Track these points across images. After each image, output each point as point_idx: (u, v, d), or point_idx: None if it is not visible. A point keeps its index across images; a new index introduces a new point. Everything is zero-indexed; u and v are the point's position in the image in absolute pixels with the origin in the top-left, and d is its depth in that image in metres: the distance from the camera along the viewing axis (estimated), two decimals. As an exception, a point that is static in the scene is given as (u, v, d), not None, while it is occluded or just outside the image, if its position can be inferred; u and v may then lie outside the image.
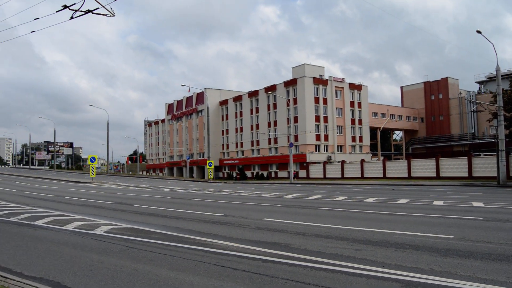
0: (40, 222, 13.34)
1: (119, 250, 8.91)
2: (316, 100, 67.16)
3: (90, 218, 14.25)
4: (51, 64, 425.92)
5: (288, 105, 67.46)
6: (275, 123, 71.71)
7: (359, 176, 54.96)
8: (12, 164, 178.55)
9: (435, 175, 46.61)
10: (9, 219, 14.38)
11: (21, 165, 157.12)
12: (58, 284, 6.38)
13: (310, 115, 66.04)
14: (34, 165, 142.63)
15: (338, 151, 68.89)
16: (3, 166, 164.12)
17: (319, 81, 67.63)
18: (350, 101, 71.31)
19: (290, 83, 68.59)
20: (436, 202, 18.69)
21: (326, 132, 67.79)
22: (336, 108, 69.14)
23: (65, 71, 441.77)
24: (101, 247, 9.25)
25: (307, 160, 64.50)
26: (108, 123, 78.48)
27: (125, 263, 7.69)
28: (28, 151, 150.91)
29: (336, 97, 69.50)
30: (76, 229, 11.81)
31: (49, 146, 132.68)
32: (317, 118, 66.93)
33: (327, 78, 69.68)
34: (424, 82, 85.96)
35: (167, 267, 7.32)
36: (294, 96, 67.94)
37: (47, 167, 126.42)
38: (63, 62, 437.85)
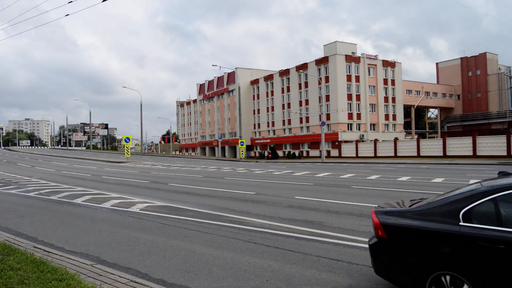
0: (79, 200, 13.81)
1: (155, 227, 9.14)
2: (348, 78, 65.99)
3: (126, 196, 14.64)
4: (83, 46, 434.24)
5: (319, 83, 66.65)
6: (307, 101, 71.06)
7: (393, 155, 54.09)
8: (50, 145, 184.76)
9: (471, 154, 45.36)
10: (50, 197, 14.95)
11: (59, 146, 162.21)
12: (97, 258, 6.62)
13: (342, 93, 65.06)
14: (71, 146, 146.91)
15: (370, 129, 67.82)
16: (42, 147, 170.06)
17: (352, 59, 66.32)
18: (383, 79, 69.74)
19: (322, 61, 67.58)
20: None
21: (359, 111, 66.74)
22: (369, 86, 67.80)
23: (96, 53, 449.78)
24: (137, 224, 9.51)
25: (339, 139, 63.83)
26: (141, 104, 79.65)
27: (161, 239, 7.89)
28: (66, 132, 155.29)
29: (369, 74, 68.07)
30: (113, 207, 12.17)
31: (85, 128, 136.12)
32: (349, 96, 65.88)
33: (360, 55, 68.21)
34: (461, 58, 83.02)
35: (201, 244, 7.47)
36: (326, 74, 66.97)
37: (84, 148, 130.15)
38: (94, 44, 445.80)
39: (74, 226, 9.48)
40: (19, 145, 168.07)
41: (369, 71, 68.16)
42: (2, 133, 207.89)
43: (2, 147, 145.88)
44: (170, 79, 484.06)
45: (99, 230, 8.90)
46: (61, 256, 6.53)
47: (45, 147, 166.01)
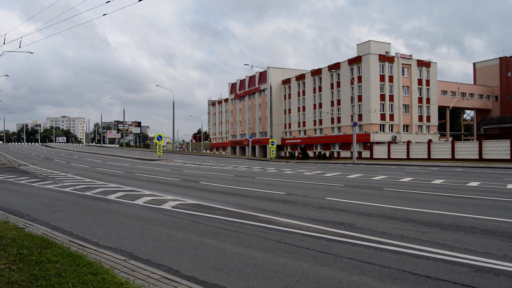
0: (112, 197, 14.13)
1: (186, 224, 9.26)
2: (382, 78, 65.02)
3: (158, 194, 14.88)
4: (113, 45, 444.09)
5: (352, 83, 65.93)
6: (339, 102, 70.44)
7: (426, 157, 52.98)
8: (85, 142, 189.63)
9: (509, 157, 43.92)
10: (84, 193, 15.36)
11: (94, 143, 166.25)
12: (130, 254, 6.76)
13: (375, 93, 64.15)
14: (105, 143, 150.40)
15: (403, 131, 66.62)
16: (77, 144, 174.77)
17: (385, 58, 65.30)
18: (418, 79, 68.36)
19: (355, 61, 66.82)
20: (510, 186, 17.67)
21: (392, 111, 65.67)
22: (403, 86, 66.60)
23: (127, 51, 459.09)
24: (169, 221, 9.66)
25: (371, 140, 62.99)
26: (173, 103, 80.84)
27: (192, 237, 7.99)
28: (100, 130, 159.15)
29: (403, 74, 66.86)
30: (145, 204, 12.40)
31: (119, 125, 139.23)
32: (382, 97, 64.91)
33: (394, 55, 67.10)
34: (500, 58, 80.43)
35: (232, 242, 7.52)
36: (359, 74, 66.19)
37: (117, 145, 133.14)
38: (124, 43, 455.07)
39: (108, 222, 9.70)
40: (55, 142, 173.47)
41: (403, 71, 66.98)
42: (40, 129, 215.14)
43: (40, 144, 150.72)
44: (199, 77, 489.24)
45: (132, 226, 9.08)
46: (95, 250, 6.70)
47: (80, 144, 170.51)
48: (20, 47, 27.35)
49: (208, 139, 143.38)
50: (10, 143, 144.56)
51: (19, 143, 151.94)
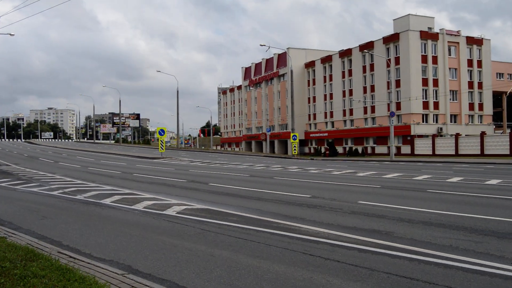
0: (107, 201, 14.27)
1: (194, 233, 9.30)
2: (424, 59, 64.30)
3: (161, 197, 14.99)
4: (104, 24, 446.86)
5: (388, 65, 65.34)
6: (372, 88, 69.94)
7: (478, 153, 52.33)
8: (75, 138, 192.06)
9: None
10: (75, 197, 15.54)
11: (85, 139, 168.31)
12: (129, 267, 6.81)
13: (416, 77, 63.50)
14: (99, 139, 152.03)
15: (451, 121, 65.87)
16: (66, 140, 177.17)
17: (428, 35, 64.55)
18: (468, 60, 67.46)
19: (391, 39, 66.21)
20: None
21: (436, 99, 64.96)
22: (449, 68, 65.78)
23: (120, 31, 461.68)
24: (174, 229, 9.71)
25: (412, 133, 62.43)
26: (177, 91, 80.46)
27: (201, 247, 8.01)
28: (92, 123, 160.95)
29: (449, 54, 66.05)
30: (146, 209, 12.49)
31: (114, 118, 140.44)
32: (425, 81, 64.22)
33: (438, 31, 66.33)
34: None
35: (248, 254, 7.52)
36: (396, 54, 65.57)
37: (112, 141, 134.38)
38: (117, 22, 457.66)
39: (103, 230, 9.80)
40: (41, 138, 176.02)
41: (449, 50, 66.17)
42: (23, 124, 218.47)
43: (23, 140, 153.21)
44: (206, 61, 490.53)
45: (130, 235, 9.16)
46: (88, 263, 6.77)
47: (70, 140, 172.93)
48: (-1, 27, 27.67)
49: (219, 133, 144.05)
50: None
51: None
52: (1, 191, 18.11)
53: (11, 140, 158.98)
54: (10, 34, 40.32)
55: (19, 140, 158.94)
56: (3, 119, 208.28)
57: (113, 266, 6.76)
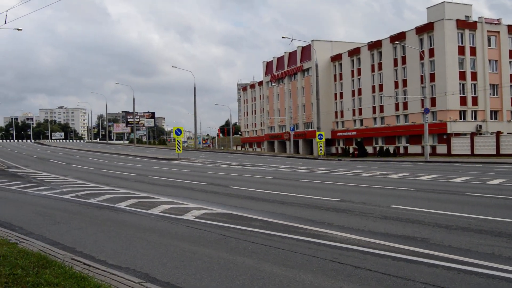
0: (122, 205, 14.42)
1: (214, 239, 9.34)
2: (461, 50, 63.52)
3: (179, 201, 15.08)
4: (115, 16, 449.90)
5: (421, 58, 64.68)
6: (404, 82, 69.35)
7: (522, 152, 51.59)
8: (87, 139, 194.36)
9: None
10: (88, 201, 15.73)
11: (98, 139, 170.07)
12: (146, 275, 6.87)
13: (452, 70, 62.78)
14: (112, 140, 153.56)
15: (491, 118, 64.99)
16: (78, 141, 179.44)
17: (465, 25, 63.75)
18: (509, 50, 66.38)
19: (425, 29, 65.56)
20: None
21: (475, 94, 64.12)
22: (489, 60, 64.88)
23: (132, 24, 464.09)
24: (193, 235, 9.77)
25: (448, 131, 61.75)
26: (195, 89, 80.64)
27: (222, 254, 8.04)
28: (105, 123, 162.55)
29: (489, 45, 65.13)
30: (163, 214, 12.59)
31: (128, 117, 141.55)
32: (462, 75, 63.43)
33: (476, 20, 65.47)
34: None
35: (272, 262, 7.53)
36: (430, 46, 64.92)
37: (126, 142, 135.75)
38: (128, 14, 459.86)
39: (118, 236, 9.90)
40: (51, 138, 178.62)
41: (489, 40, 65.27)
42: (33, 123, 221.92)
43: (33, 141, 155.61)
44: (224, 55, 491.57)
45: (147, 241, 9.24)
46: (104, 271, 6.85)
47: (81, 141, 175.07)
48: (5, 23, 28.06)
49: (239, 133, 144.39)
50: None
51: (8, 141, 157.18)
52: (11, 195, 18.43)
53: (20, 141, 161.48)
54: (18, 29, 40.93)
55: (28, 141, 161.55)
56: (12, 119, 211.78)
57: (130, 274, 6.83)
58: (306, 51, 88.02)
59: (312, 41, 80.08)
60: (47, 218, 12.40)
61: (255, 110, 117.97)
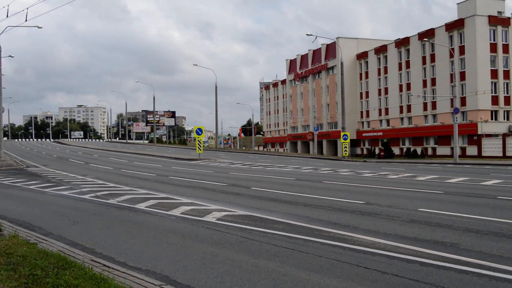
0: (142, 206, 14.54)
1: (236, 241, 9.37)
2: (493, 47, 62.72)
3: (199, 202, 15.15)
4: (134, 13, 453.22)
5: (451, 56, 64.01)
6: (433, 81, 68.73)
7: (557, 154, 50.81)
8: (107, 138, 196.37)
9: None
10: (108, 201, 15.90)
11: (117, 138, 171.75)
12: (166, 278, 6.92)
13: (483, 69, 62.03)
14: (132, 139, 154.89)
15: (524, 119, 64.14)
16: (97, 140, 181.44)
17: (497, 21, 62.92)
18: (544, 48, 65.45)
19: (455, 26, 64.87)
20: None
21: (507, 93, 63.27)
22: (523, 58, 64.03)
23: (152, 21, 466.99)
24: (214, 237, 9.81)
25: (479, 132, 61.04)
26: (216, 87, 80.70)
27: (244, 257, 8.06)
28: (125, 122, 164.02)
29: (523, 42, 64.28)
30: (183, 215, 12.66)
31: (148, 116, 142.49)
32: (494, 73, 62.63)
33: (510, 16, 64.57)
34: None
35: (295, 265, 7.53)
36: (461, 43, 64.23)
37: (146, 141, 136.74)
38: (148, 11, 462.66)
39: (138, 237, 9.99)
40: (70, 138, 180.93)
41: (523, 37, 64.26)
42: (52, 122, 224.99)
43: (52, 140, 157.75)
44: (246, 52, 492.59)
45: (167, 243, 9.31)
46: (123, 273, 6.91)
47: (101, 140, 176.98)
48: (26, 20, 28.55)
49: (261, 133, 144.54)
50: (16, 140, 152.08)
51: (27, 140, 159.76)
52: (31, 194, 18.72)
53: (39, 140, 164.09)
54: (38, 27, 41.64)
55: (47, 140, 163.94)
56: (31, 117, 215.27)
57: (150, 276, 6.89)
58: (331, 49, 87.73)
59: (337, 38, 79.72)
60: (66, 218, 12.56)
61: (277, 110, 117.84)
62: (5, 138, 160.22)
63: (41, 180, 24.56)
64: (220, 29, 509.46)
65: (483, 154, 58.75)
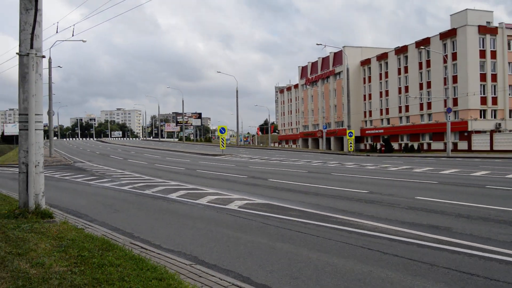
0: (173, 196, 14.65)
1: (255, 226, 9.41)
2: (482, 54, 61.79)
3: (223, 192, 15.22)
4: (164, 27, 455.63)
5: (445, 61, 63.24)
6: (428, 84, 67.96)
7: (540, 148, 49.95)
8: (142, 137, 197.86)
9: None
10: (144, 192, 16.05)
11: (151, 137, 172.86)
12: (195, 258, 6.99)
13: (473, 72, 61.17)
14: (163, 137, 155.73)
15: (510, 117, 63.00)
16: (133, 138, 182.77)
17: (486, 30, 61.95)
18: (528, 54, 64.29)
19: (448, 35, 64.04)
20: None
21: (495, 94, 62.32)
22: (509, 62, 62.79)
23: (179, 34, 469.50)
24: (236, 223, 9.87)
25: (469, 129, 60.25)
26: (237, 91, 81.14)
27: (262, 240, 8.11)
28: (157, 123, 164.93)
29: (509, 49, 63.07)
30: (209, 204, 12.74)
31: (177, 117, 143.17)
32: (483, 77, 61.73)
33: (497, 25, 63.57)
34: None
35: (308, 247, 7.56)
36: (453, 50, 63.39)
37: (176, 139, 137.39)
38: (176, 25, 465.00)
39: (170, 223, 10.09)
40: (111, 137, 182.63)
41: (509, 44, 63.31)
42: (95, 124, 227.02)
43: (95, 139, 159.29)
44: (262, 60, 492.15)
45: (196, 228, 9.39)
46: (158, 254, 7.00)
47: (137, 139, 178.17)
48: (73, 35, 28.99)
49: (276, 131, 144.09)
50: (64, 139, 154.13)
51: (74, 139, 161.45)
52: (78, 186, 18.97)
53: (84, 138, 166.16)
54: (83, 41, 42.19)
55: (91, 138, 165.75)
56: (77, 119, 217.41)
57: (181, 257, 6.96)
58: (338, 56, 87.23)
59: (343, 47, 79.23)
60: (108, 207, 12.71)
61: (291, 111, 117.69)
62: (55, 138, 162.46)
63: (86, 174, 24.86)
64: (239, 40, 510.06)
65: (473, 148, 58.02)
